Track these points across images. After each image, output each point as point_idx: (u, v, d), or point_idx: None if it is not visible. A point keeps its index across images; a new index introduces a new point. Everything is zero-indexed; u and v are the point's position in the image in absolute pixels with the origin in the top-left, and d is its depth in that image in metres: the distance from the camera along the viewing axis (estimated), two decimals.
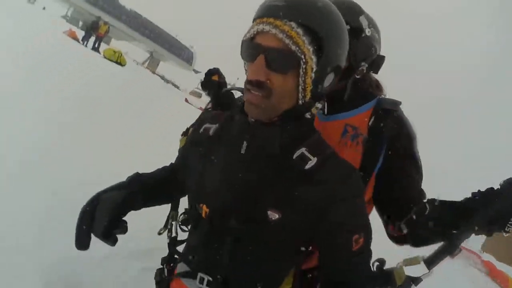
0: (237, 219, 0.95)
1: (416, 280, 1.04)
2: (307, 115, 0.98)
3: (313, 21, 0.89)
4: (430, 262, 1.04)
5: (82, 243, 1.01)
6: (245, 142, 0.97)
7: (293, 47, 0.86)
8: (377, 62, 1.39)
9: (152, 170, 1.28)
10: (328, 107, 1.26)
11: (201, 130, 1.13)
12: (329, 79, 0.97)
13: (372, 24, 1.36)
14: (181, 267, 1.17)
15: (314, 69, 0.91)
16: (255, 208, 0.94)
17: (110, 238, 1.02)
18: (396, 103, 1.37)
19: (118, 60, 14.83)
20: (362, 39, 1.33)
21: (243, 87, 1.03)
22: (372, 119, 1.31)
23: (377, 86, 1.45)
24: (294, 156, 0.94)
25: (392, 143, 1.28)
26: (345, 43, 0.97)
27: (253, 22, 0.94)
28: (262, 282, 1.04)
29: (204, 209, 1.01)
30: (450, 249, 1.04)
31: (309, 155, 0.94)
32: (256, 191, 0.95)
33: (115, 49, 16.00)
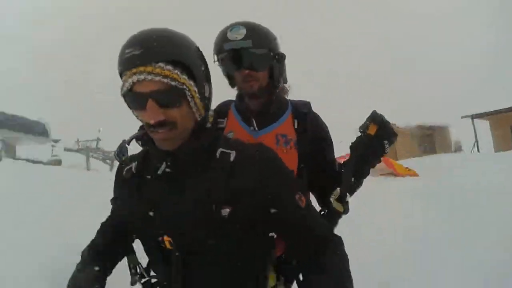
0: (206, 234, 1.02)
1: (347, 203, 1.37)
2: (208, 125, 1.11)
3: (173, 54, 0.98)
4: (343, 189, 1.37)
5: None
6: (164, 164, 1.06)
7: (173, 83, 0.96)
8: (285, 74, 1.65)
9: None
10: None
11: (124, 173, 1.19)
12: (207, 89, 1.10)
13: (279, 42, 1.58)
14: None
15: (197, 90, 1.03)
16: (210, 213, 1.01)
17: None
18: (307, 104, 1.63)
19: None
20: (282, 63, 1.59)
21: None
22: (296, 123, 1.54)
23: (284, 91, 1.68)
24: (217, 155, 1.06)
25: (314, 136, 1.55)
26: (201, 56, 1.09)
27: (121, 76, 1.01)
28: (246, 281, 1.10)
29: (167, 239, 1.07)
30: (346, 184, 1.38)
31: (227, 150, 1.06)
32: (201, 201, 1.02)
33: None
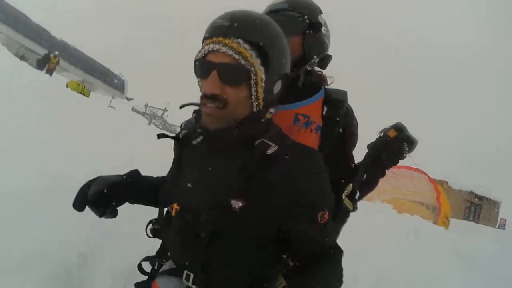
0: (205, 212, 1.01)
1: (356, 201, 1.38)
2: (262, 121, 1.07)
3: (257, 36, 1.00)
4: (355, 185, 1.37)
5: (78, 205, 1.19)
6: (200, 137, 1.08)
7: (243, 61, 0.97)
8: (326, 59, 1.54)
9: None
10: (282, 95, 1.23)
11: (179, 135, 1.22)
12: (277, 87, 1.07)
13: (326, 25, 1.51)
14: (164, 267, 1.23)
15: (264, 79, 1.01)
16: (218, 199, 1.00)
17: (98, 208, 1.19)
18: (344, 94, 1.49)
19: (83, 92, 15.56)
20: (319, 35, 1.47)
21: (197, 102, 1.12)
22: (325, 109, 1.42)
23: (322, 78, 1.55)
24: (256, 143, 1.03)
25: (344, 132, 1.43)
26: (287, 53, 1.09)
27: (203, 42, 1.04)
28: (247, 278, 1.07)
29: (175, 207, 1.10)
30: (358, 180, 1.38)
31: (269, 143, 1.03)
32: (216, 184, 1.03)
33: (77, 81, 16.71)
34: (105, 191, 1.19)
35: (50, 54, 18.61)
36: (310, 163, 1.04)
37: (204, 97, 1.01)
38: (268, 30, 1.05)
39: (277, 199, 1.00)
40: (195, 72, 1.06)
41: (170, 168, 1.26)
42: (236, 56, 0.97)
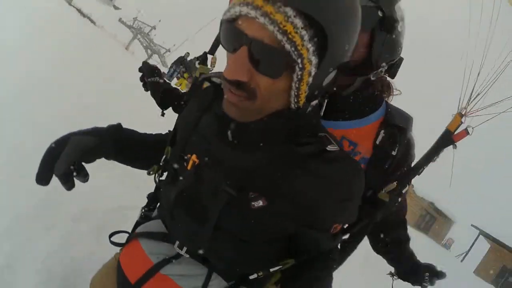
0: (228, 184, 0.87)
1: (398, 194, 1.26)
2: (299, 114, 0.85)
3: (317, 7, 0.67)
4: (402, 183, 1.26)
5: (42, 178, 0.94)
6: (229, 132, 0.87)
7: (287, 46, 0.68)
8: (396, 66, 1.19)
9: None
10: (327, 110, 1.01)
11: (203, 83, 1.06)
12: (329, 78, 0.81)
13: (403, 19, 1.14)
14: (147, 227, 1.10)
15: (313, 73, 0.74)
16: (237, 187, 0.86)
17: (68, 181, 0.95)
18: (409, 120, 1.26)
19: None
20: (394, 34, 1.12)
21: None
22: (381, 137, 1.17)
23: (386, 90, 1.29)
24: (319, 135, 0.87)
25: (396, 167, 1.22)
26: (355, 35, 0.77)
27: None
28: (243, 267, 1.00)
29: (193, 159, 0.93)
30: (414, 174, 1.30)
31: (331, 140, 0.87)
32: (244, 176, 0.87)
33: None
34: (75, 166, 0.97)
35: None
36: (351, 185, 0.90)
37: (226, 80, 0.76)
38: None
39: (299, 205, 0.88)
40: (220, 37, 0.79)
41: (181, 113, 1.12)
42: (279, 36, 0.68)
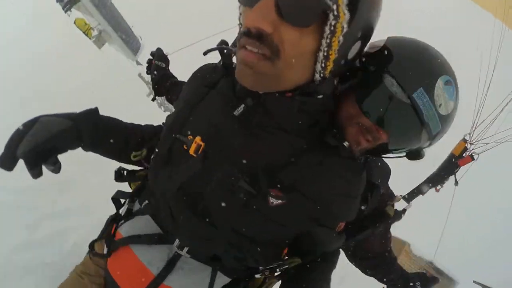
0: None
1: (403, 210, 1.33)
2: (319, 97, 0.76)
3: None
4: (408, 199, 1.37)
5: (5, 161, 0.80)
6: (242, 106, 0.77)
7: None
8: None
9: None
10: None
11: (203, 67, 0.97)
12: (355, 49, 0.73)
13: None
14: (134, 228, 0.95)
15: (345, 30, 0.65)
16: (257, 186, 0.77)
17: (34, 167, 0.81)
18: (386, 175, 1.29)
19: (87, 32, 15.42)
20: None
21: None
22: None
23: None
24: (326, 138, 0.81)
25: (370, 215, 1.25)
26: (380, 7, 0.73)
27: None
28: (249, 265, 0.93)
29: (197, 141, 0.80)
30: (421, 191, 1.41)
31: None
32: (262, 170, 0.78)
33: (86, 21, 16.47)
34: (42, 146, 0.83)
35: None
36: (357, 183, 0.88)
37: (245, 33, 0.65)
38: None
39: (316, 202, 0.82)
40: None
41: (181, 97, 0.98)
42: None
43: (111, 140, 1.03)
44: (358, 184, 0.89)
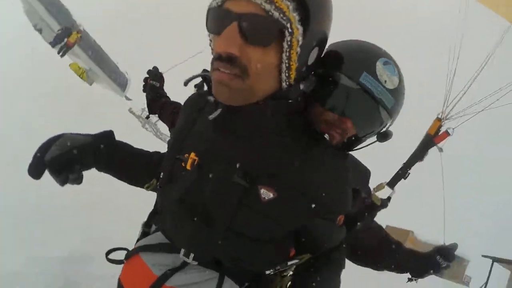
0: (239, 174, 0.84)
1: (388, 198, 1.40)
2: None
3: None
4: (391, 184, 1.38)
5: (34, 170, 0.92)
6: (219, 110, 0.84)
7: (276, 13, 0.72)
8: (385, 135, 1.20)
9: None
10: None
11: (191, 97, 1.08)
12: (313, 55, 0.84)
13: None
14: (147, 241, 1.03)
15: (300, 42, 0.77)
16: (249, 180, 0.83)
17: (60, 174, 0.94)
18: (365, 177, 1.38)
19: (81, 76, 15.59)
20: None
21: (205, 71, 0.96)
22: None
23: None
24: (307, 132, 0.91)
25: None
26: (331, 10, 0.84)
27: None
28: (256, 266, 0.95)
29: (192, 157, 0.89)
30: (402, 175, 1.42)
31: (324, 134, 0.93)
32: (251, 168, 0.84)
33: (79, 65, 16.71)
34: (66, 155, 0.95)
35: (72, 28, 16.86)
36: (345, 172, 0.93)
37: (217, 58, 0.76)
38: None
39: (309, 193, 0.86)
40: (207, 25, 0.82)
41: (175, 126, 1.09)
42: (267, 6, 0.72)
43: (126, 160, 1.14)
44: (346, 170, 0.94)
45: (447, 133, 1.49)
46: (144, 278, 0.95)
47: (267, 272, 0.98)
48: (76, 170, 0.98)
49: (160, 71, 2.20)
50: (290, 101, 0.87)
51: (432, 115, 1.48)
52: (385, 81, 1.07)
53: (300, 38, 0.76)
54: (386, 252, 1.54)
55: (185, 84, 1.04)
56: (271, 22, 0.73)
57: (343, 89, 1.06)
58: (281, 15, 0.73)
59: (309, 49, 0.82)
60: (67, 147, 0.96)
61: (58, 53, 15.53)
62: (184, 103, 1.11)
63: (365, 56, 1.09)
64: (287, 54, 0.77)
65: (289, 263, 0.99)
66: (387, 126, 1.18)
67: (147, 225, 1.15)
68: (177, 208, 0.94)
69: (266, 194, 0.84)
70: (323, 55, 0.97)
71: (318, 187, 0.87)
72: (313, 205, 0.87)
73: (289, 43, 0.76)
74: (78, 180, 1.00)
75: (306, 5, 0.75)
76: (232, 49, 0.73)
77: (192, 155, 0.90)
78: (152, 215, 1.16)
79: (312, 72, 0.97)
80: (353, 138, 1.17)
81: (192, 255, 0.92)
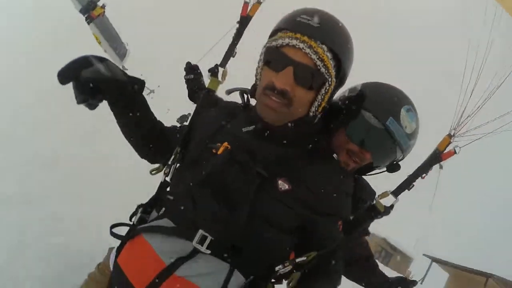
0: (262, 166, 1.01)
1: (391, 206, 1.43)
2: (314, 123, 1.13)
3: (340, 47, 1.02)
4: (396, 193, 1.42)
5: (65, 75, 0.94)
6: (253, 127, 1.09)
7: (323, 69, 1.00)
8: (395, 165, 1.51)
9: None
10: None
11: (231, 104, 1.30)
12: (333, 97, 1.16)
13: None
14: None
15: (332, 90, 1.07)
16: (269, 172, 1.01)
17: (83, 93, 0.96)
18: (372, 195, 1.61)
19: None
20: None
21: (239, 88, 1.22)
22: None
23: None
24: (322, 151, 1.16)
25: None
26: (350, 69, 1.14)
27: (278, 31, 1.05)
28: (267, 257, 1.05)
29: (225, 145, 1.04)
30: (407, 186, 1.43)
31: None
32: (273, 163, 1.04)
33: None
34: (105, 81, 1.00)
35: (98, 2, 18.02)
36: (349, 183, 1.19)
37: (271, 89, 1.01)
38: (348, 41, 1.08)
39: (318, 193, 1.06)
40: (265, 59, 1.07)
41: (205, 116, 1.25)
42: (318, 62, 0.99)
43: (142, 111, 1.20)
44: (350, 183, 1.18)
45: (454, 152, 1.49)
46: (150, 265, 0.93)
47: (277, 268, 1.04)
48: (98, 98, 1.04)
49: (194, 63, 2.36)
50: (312, 123, 1.13)
51: (442, 130, 1.49)
52: (405, 127, 1.31)
53: (333, 87, 1.08)
54: (368, 267, 1.78)
55: (228, 93, 1.34)
56: (319, 75, 1.01)
57: (369, 127, 1.29)
58: (326, 71, 1.02)
59: (335, 93, 1.13)
60: (110, 76, 1.01)
61: (86, 20, 15.40)
62: (225, 103, 1.34)
63: (393, 102, 1.32)
64: (322, 96, 1.07)
65: (297, 260, 1.06)
66: (398, 161, 1.45)
67: (145, 211, 1.15)
68: (199, 192, 1.01)
69: (283, 185, 1.02)
70: (358, 92, 1.34)
71: (327, 191, 1.07)
72: (321, 205, 1.07)
73: (326, 90, 1.06)
74: (94, 106, 1.04)
75: (341, 65, 1.06)
76: (286, 87, 0.99)
77: (225, 143, 1.05)
78: (154, 201, 1.18)
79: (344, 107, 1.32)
80: (366, 166, 1.43)
81: (207, 242, 0.94)
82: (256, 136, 1.09)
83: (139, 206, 1.18)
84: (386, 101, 1.33)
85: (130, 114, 1.16)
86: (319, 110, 1.11)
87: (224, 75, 1.50)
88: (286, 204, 1.03)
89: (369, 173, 1.53)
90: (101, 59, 1.03)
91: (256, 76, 1.13)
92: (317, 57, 0.98)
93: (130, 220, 1.17)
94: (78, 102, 0.99)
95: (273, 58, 1.03)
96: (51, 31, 5.26)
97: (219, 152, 1.04)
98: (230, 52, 1.42)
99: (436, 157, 1.47)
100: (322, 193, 1.07)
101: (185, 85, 2.33)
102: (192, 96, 2.29)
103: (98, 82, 0.98)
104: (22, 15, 5.31)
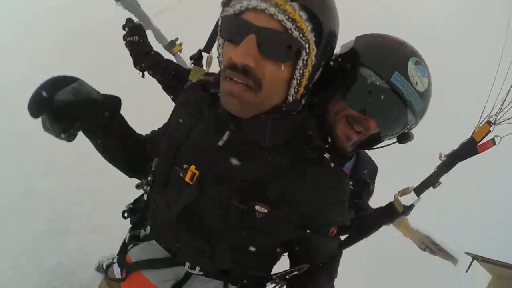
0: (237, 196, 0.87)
1: (411, 206, 1.31)
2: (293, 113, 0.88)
3: (317, 5, 0.75)
4: (418, 191, 1.29)
5: (35, 107, 0.82)
6: (227, 133, 0.89)
7: (296, 33, 0.73)
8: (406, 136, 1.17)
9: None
10: None
11: (191, 93, 1.04)
12: (317, 75, 0.86)
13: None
14: (144, 253, 1.03)
15: (314, 62, 0.79)
16: (244, 199, 0.87)
17: (63, 123, 0.86)
18: (374, 172, 1.42)
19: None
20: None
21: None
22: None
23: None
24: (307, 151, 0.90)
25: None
26: (337, 36, 0.86)
27: None
28: (257, 273, 1.01)
29: (192, 170, 0.90)
30: (432, 183, 1.30)
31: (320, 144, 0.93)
32: (250, 188, 0.88)
33: None
34: (81, 105, 0.87)
35: None
36: (339, 189, 0.96)
37: (231, 67, 0.76)
38: (329, 1, 0.81)
39: (303, 211, 0.91)
40: (221, 31, 0.81)
41: (171, 122, 1.07)
42: (288, 24, 0.73)
43: (122, 130, 1.09)
44: (342, 189, 0.97)
45: (492, 142, 1.24)
46: None
47: (269, 281, 1.05)
48: (77, 126, 0.91)
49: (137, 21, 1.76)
50: (293, 113, 0.89)
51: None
52: (416, 83, 1.01)
53: (314, 58, 0.79)
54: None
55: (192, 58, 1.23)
56: (291, 40, 0.74)
57: (371, 88, 1.01)
58: (301, 34, 0.74)
59: (319, 67, 0.84)
60: (85, 96, 0.89)
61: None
62: (182, 98, 1.07)
63: (397, 54, 1.03)
64: (301, 71, 0.79)
65: (288, 275, 1.05)
66: (410, 128, 1.14)
67: (136, 227, 1.14)
68: (176, 225, 0.94)
69: (261, 209, 0.87)
70: (351, 47, 1.05)
71: (314, 207, 0.91)
72: (308, 222, 0.93)
73: (304, 62, 0.78)
74: (72, 137, 0.92)
75: (322, 27, 0.76)
76: (248, 61, 0.73)
77: (192, 167, 0.91)
78: (140, 220, 1.14)
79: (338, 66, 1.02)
80: (372, 138, 1.13)
81: (198, 267, 0.96)
82: (229, 148, 0.90)
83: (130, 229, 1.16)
84: (388, 53, 1.02)
85: (110, 137, 1.06)
86: (301, 91, 0.83)
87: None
88: (266, 230, 0.92)
89: (376, 146, 1.20)
90: (73, 79, 0.89)
91: (218, 58, 0.87)
92: (286, 17, 0.72)
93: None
94: (57, 135, 0.87)
95: (230, 28, 0.78)
96: (53, 37, 5.13)
97: (186, 179, 0.91)
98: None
99: (471, 149, 1.25)
100: (309, 209, 0.92)
101: (127, 49, 1.77)
102: (138, 64, 1.75)
103: (76, 105, 0.86)
104: (24, 20, 5.23)
